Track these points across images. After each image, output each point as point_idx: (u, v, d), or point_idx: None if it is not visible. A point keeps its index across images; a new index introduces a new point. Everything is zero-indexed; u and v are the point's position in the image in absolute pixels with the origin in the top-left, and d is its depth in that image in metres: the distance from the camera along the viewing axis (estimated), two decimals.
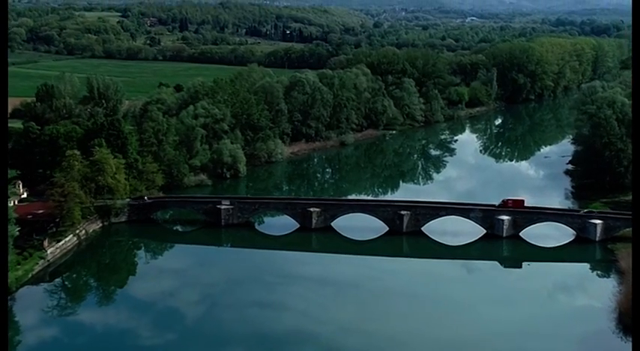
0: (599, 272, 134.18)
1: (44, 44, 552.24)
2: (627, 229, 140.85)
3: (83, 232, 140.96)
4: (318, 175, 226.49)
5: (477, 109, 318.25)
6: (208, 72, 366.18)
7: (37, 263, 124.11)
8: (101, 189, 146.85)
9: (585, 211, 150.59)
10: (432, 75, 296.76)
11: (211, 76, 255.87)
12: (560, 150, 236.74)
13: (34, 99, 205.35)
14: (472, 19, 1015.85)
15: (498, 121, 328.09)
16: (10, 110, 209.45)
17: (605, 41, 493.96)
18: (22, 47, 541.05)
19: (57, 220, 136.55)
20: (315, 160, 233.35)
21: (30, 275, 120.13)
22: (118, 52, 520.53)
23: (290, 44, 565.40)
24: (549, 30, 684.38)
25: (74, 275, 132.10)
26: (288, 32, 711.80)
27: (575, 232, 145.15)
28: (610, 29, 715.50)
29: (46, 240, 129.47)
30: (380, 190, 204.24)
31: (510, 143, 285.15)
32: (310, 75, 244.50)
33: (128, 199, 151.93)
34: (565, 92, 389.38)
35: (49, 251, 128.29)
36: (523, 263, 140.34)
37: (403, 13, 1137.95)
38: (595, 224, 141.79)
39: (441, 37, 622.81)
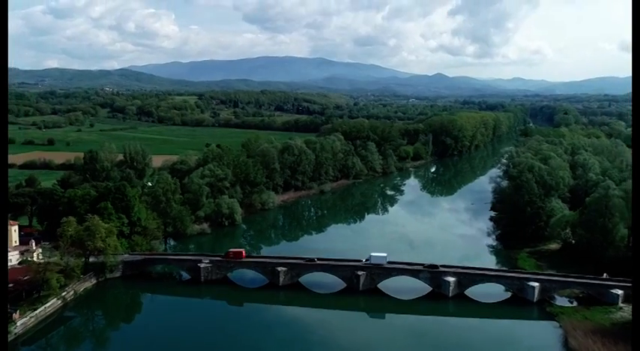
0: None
1: (146, 116, 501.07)
2: (561, 290, 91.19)
3: (71, 292, 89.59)
4: (305, 214, 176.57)
5: (419, 162, 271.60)
6: (245, 135, 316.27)
7: None
8: (96, 249, 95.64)
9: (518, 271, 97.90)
10: (388, 139, 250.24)
11: (246, 138, 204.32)
12: (480, 197, 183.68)
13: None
14: (413, 100, 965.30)
15: (433, 170, 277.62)
16: None
17: (500, 114, 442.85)
18: (131, 119, 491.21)
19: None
20: (302, 203, 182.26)
21: None
22: (190, 121, 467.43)
23: (300, 116, 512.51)
24: (460, 107, 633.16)
25: (44, 341, 79.41)
26: (300, 108, 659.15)
27: (514, 293, 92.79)
28: (497, 107, 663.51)
29: (17, 312, 78.04)
30: (352, 220, 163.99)
31: (441, 184, 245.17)
32: (298, 141, 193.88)
33: (125, 255, 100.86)
34: (476, 149, 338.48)
35: (19, 323, 77.09)
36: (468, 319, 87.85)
37: (372, 97, 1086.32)
38: (533, 287, 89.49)
39: (394, 111, 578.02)
